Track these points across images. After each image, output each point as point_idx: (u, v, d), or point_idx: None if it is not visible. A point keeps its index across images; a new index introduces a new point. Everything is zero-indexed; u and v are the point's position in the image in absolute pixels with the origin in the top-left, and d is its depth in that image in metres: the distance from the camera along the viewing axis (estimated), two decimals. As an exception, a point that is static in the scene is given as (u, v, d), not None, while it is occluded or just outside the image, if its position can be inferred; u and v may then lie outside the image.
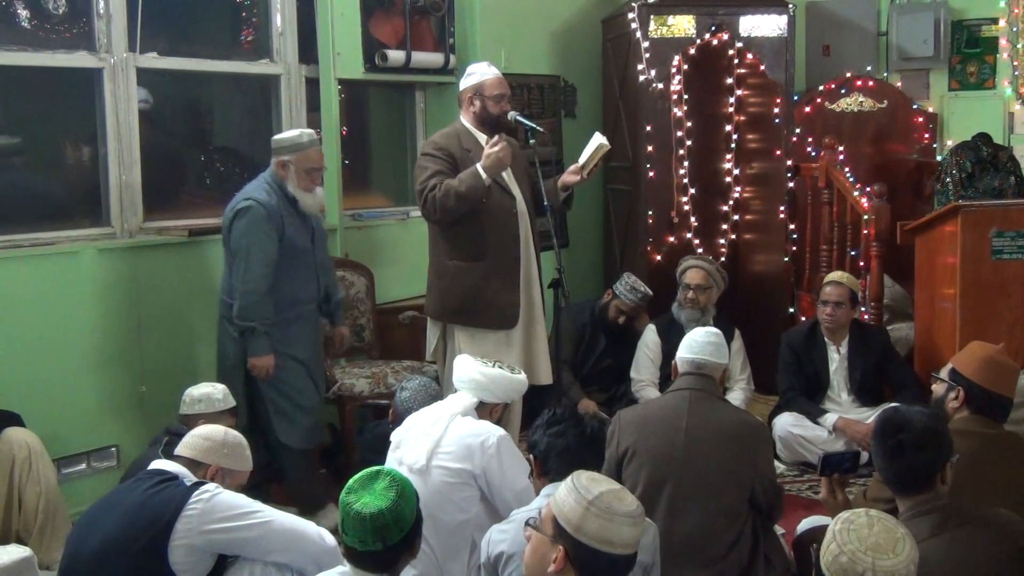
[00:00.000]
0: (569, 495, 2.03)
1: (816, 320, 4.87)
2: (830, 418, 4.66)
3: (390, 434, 3.31)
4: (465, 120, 4.26)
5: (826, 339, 4.82)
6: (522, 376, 3.33)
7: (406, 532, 2.24)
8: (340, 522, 2.25)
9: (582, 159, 4.27)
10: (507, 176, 4.21)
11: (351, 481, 2.28)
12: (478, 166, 4.03)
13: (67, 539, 2.84)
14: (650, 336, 5.03)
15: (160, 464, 2.82)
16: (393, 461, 3.11)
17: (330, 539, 2.80)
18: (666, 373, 4.65)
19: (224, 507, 2.69)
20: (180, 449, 2.87)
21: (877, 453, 2.49)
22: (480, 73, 4.21)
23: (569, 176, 4.29)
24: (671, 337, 4.62)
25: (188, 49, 4.79)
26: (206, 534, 2.65)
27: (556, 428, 2.66)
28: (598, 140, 4.24)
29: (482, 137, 4.19)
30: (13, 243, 4.13)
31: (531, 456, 2.73)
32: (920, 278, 4.82)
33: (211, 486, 2.74)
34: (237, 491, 2.94)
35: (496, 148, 4.02)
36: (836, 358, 4.81)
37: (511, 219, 4.18)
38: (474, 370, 3.24)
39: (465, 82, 4.25)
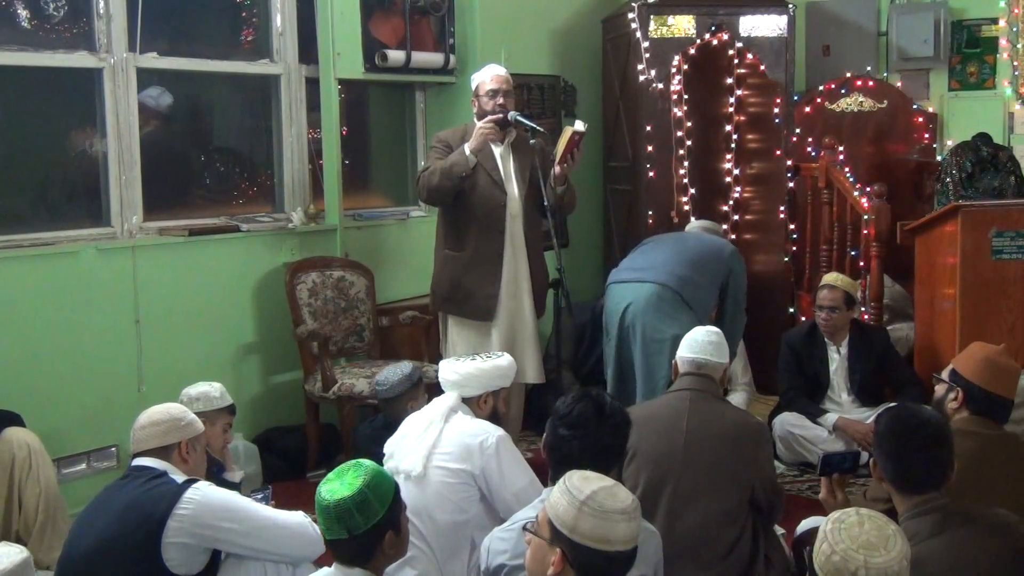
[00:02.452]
0: (562, 496, 2.03)
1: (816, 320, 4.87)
2: (830, 418, 4.65)
3: (385, 425, 3.32)
4: (475, 119, 4.38)
5: (826, 339, 4.82)
6: (500, 361, 3.33)
7: (374, 523, 2.26)
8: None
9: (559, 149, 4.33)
10: (503, 173, 4.26)
11: (331, 473, 2.33)
12: (465, 144, 4.19)
13: (65, 541, 2.84)
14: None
15: (142, 461, 2.79)
16: (389, 471, 3.10)
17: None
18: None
19: (216, 506, 2.69)
20: (141, 445, 2.81)
21: (888, 451, 2.47)
22: (480, 74, 4.37)
23: (555, 167, 4.33)
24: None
25: (188, 49, 4.79)
26: (199, 533, 2.65)
27: (576, 432, 2.53)
28: (572, 127, 4.25)
29: None
30: (13, 243, 4.13)
31: (543, 444, 2.63)
32: (920, 278, 4.82)
33: (202, 484, 2.74)
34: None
35: (480, 127, 4.16)
36: (836, 358, 4.81)
37: (499, 213, 4.23)
38: (448, 370, 3.28)
39: (471, 85, 4.40)
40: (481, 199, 4.22)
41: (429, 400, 3.37)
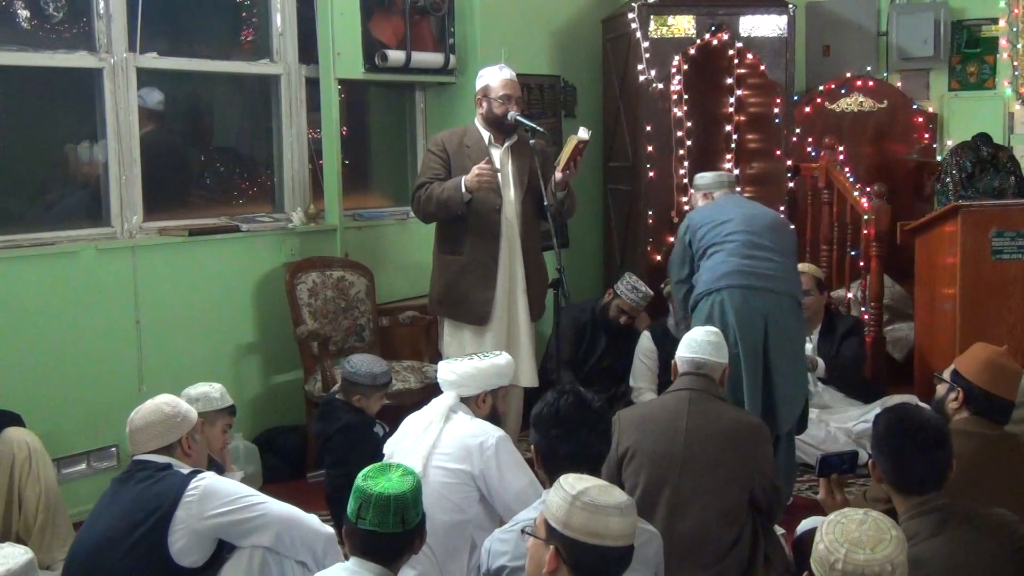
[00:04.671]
0: (556, 495, 2.08)
1: None
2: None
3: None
4: (477, 120, 4.35)
5: None
6: (498, 360, 3.32)
7: (420, 519, 2.36)
8: (355, 508, 2.31)
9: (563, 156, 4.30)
10: (500, 177, 4.24)
11: (365, 471, 2.37)
12: (462, 179, 4.12)
13: (74, 538, 2.86)
14: (646, 344, 5.01)
15: (144, 456, 2.81)
16: None
17: (327, 527, 2.85)
18: (664, 380, 4.64)
19: (223, 493, 2.72)
20: (140, 447, 2.82)
21: (888, 453, 2.46)
22: (490, 75, 4.30)
23: (556, 173, 4.31)
24: (667, 345, 4.58)
25: (188, 49, 4.79)
26: (207, 519, 2.68)
27: (562, 429, 2.58)
28: (578, 136, 4.23)
29: (487, 135, 4.28)
30: (13, 243, 4.13)
31: (532, 448, 2.68)
32: (920, 278, 4.83)
33: (208, 474, 2.77)
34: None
35: (481, 172, 4.08)
36: (809, 348, 4.83)
37: (494, 218, 4.22)
38: (446, 370, 3.28)
39: (477, 83, 4.34)
40: (477, 203, 4.19)
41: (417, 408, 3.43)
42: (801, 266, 4.85)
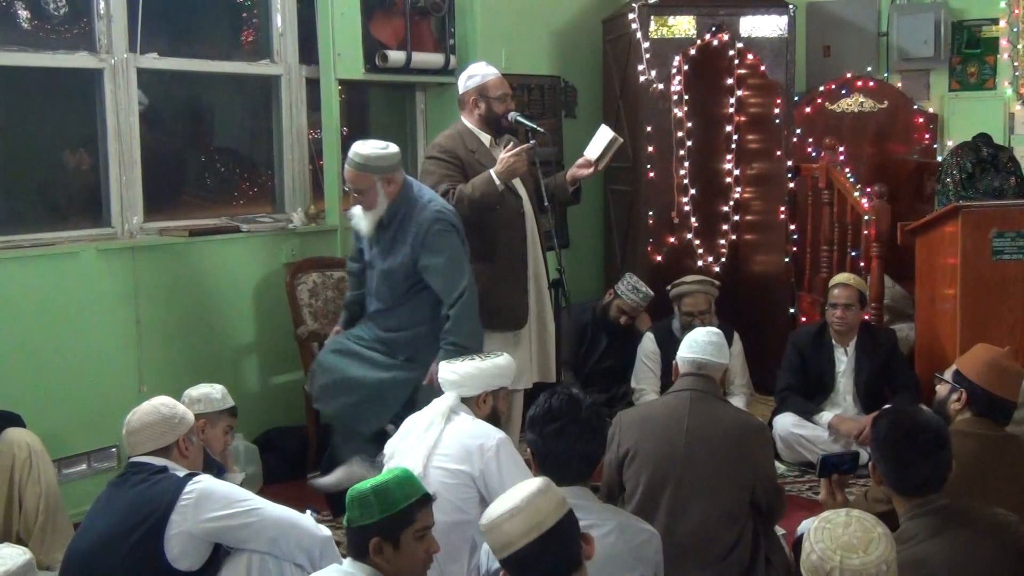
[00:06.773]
0: None
1: (825, 322, 4.84)
2: (825, 416, 4.65)
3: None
4: (468, 121, 4.23)
5: (834, 341, 4.80)
6: (499, 360, 3.30)
7: (366, 523, 2.32)
8: (347, 511, 2.34)
9: (593, 153, 4.26)
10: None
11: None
12: (491, 172, 4.02)
13: (70, 541, 2.86)
14: (648, 345, 5.01)
15: (140, 457, 2.81)
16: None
17: (324, 529, 2.86)
18: (666, 382, 4.64)
19: (218, 496, 2.72)
20: (137, 449, 2.82)
21: (888, 456, 2.47)
22: (481, 75, 4.20)
23: (579, 170, 4.28)
24: (670, 346, 4.58)
25: (188, 50, 4.79)
26: (202, 523, 2.67)
27: (553, 426, 2.61)
28: (608, 134, 4.23)
29: (486, 137, 4.21)
30: (13, 243, 4.13)
31: (529, 450, 2.70)
32: (920, 279, 4.82)
33: (204, 477, 2.77)
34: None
35: (512, 155, 4.00)
36: (844, 360, 4.79)
37: (519, 220, 4.18)
38: (447, 370, 3.27)
39: (466, 84, 4.22)
40: (503, 208, 4.10)
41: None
42: (845, 277, 4.80)
